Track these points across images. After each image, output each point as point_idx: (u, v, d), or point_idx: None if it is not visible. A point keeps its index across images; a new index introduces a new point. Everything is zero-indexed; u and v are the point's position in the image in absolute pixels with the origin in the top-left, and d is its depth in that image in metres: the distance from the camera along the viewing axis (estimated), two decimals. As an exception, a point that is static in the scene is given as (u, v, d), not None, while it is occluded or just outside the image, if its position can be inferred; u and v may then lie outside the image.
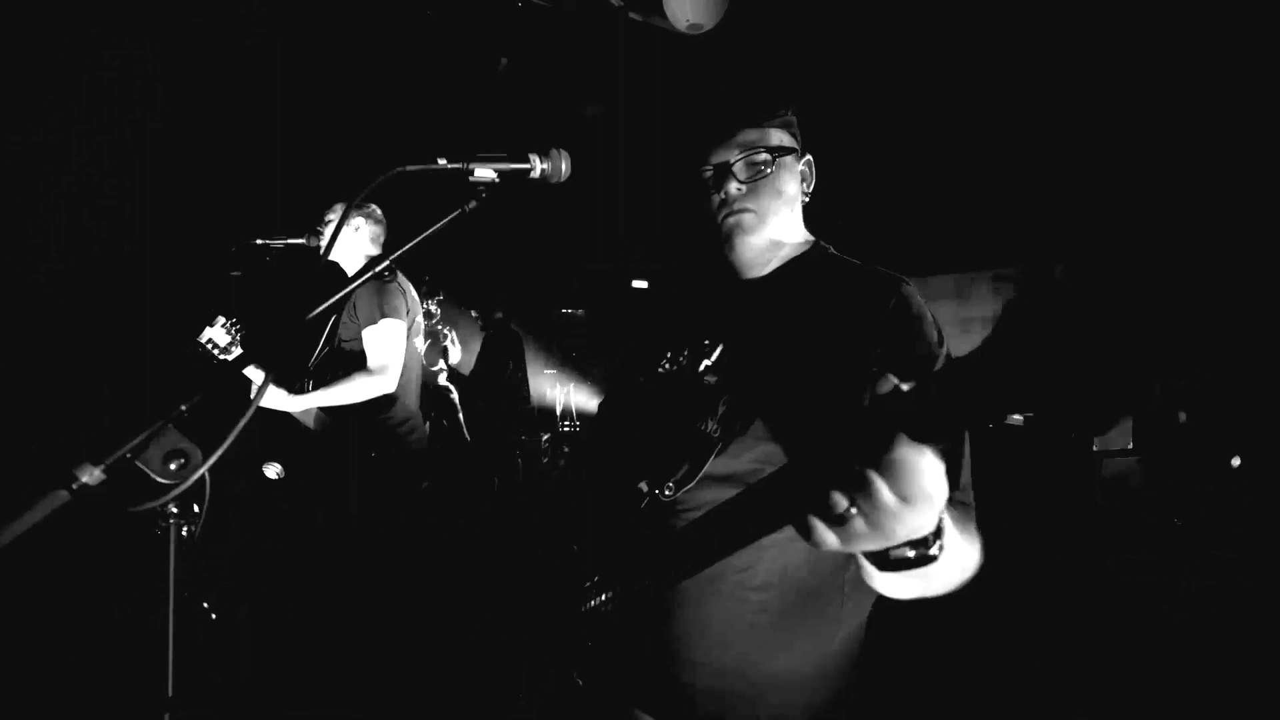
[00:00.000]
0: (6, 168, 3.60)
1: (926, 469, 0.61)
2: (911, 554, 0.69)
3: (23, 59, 3.58)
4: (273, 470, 2.60)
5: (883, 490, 0.61)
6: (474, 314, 5.43)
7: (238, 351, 2.35)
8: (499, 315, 5.36)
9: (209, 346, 2.33)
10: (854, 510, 0.63)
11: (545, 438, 6.62)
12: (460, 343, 5.30)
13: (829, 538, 0.65)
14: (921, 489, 0.61)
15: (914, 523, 0.63)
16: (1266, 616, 2.50)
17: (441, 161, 0.93)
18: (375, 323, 2.51)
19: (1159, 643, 2.66)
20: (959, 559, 0.78)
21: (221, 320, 2.33)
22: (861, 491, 0.61)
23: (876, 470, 0.61)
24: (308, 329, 0.83)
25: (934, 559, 0.70)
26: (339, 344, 2.65)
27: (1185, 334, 0.41)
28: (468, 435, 4.79)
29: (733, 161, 1.11)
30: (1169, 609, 2.79)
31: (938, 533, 0.69)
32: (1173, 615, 2.75)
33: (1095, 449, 3.42)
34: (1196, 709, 2.35)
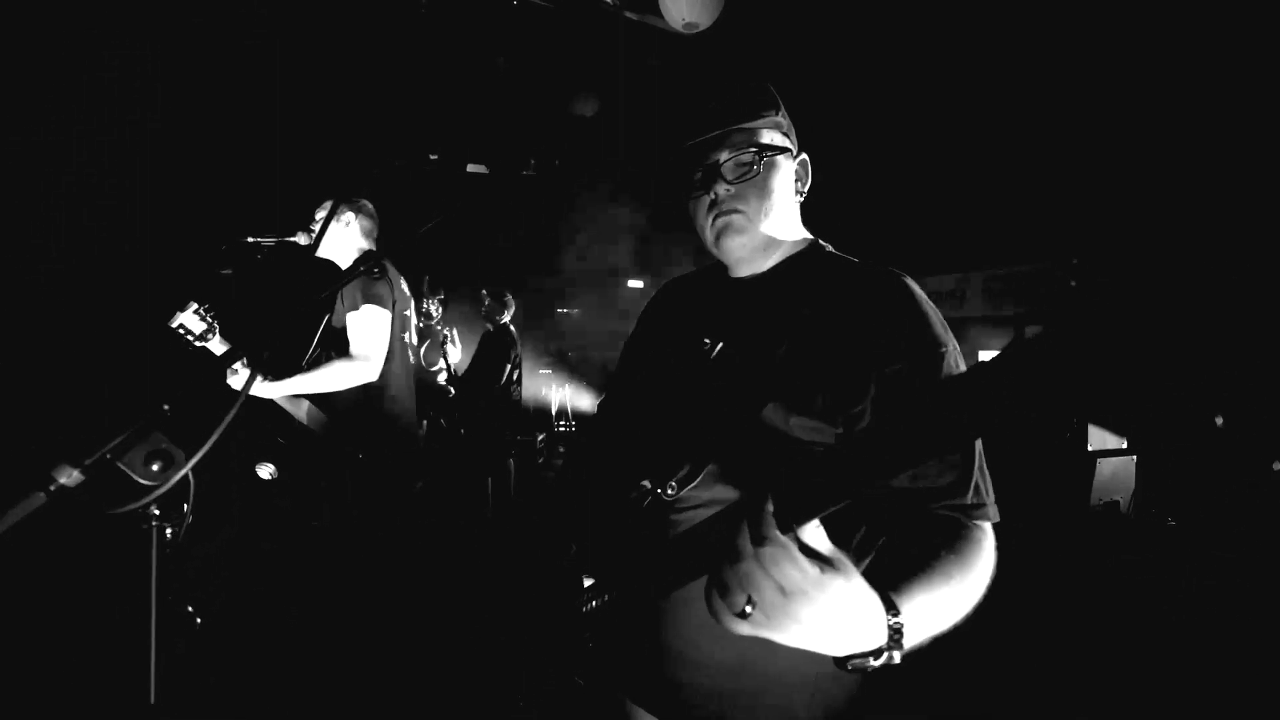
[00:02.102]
0: (6, 168, 3.59)
1: (787, 561, 0.66)
2: (875, 663, 0.73)
3: (23, 59, 3.58)
4: (266, 470, 2.58)
5: (766, 586, 0.66)
6: (484, 291, 5.37)
7: (214, 339, 2.32)
8: (504, 321, 5.34)
9: (181, 331, 2.29)
10: (749, 608, 0.68)
11: (540, 438, 6.61)
12: (459, 342, 5.28)
13: (738, 628, 0.70)
14: (790, 581, 0.66)
15: (805, 614, 0.67)
16: (1266, 616, 2.49)
17: (434, 158, 0.92)
18: (357, 308, 2.49)
19: (1159, 643, 2.65)
20: (950, 616, 0.82)
21: (194, 305, 2.29)
22: (753, 588, 0.67)
23: (759, 563, 0.66)
24: (299, 324, 0.82)
25: (898, 659, 0.73)
26: (331, 332, 2.63)
27: (1218, 338, 0.40)
28: (463, 435, 4.77)
29: (721, 161, 1.11)
30: (1169, 609, 2.78)
31: (895, 640, 0.72)
32: (1173, 615, 2.74)
33: (1090, 449, 3.41)
34: (1196, 709, 2.35)
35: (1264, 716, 2.24)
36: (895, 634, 0.72)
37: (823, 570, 0.68)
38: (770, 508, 0.66)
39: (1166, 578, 2.93)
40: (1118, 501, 3.41)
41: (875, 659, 0.73)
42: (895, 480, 0.88)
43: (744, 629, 0.69)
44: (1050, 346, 0.47)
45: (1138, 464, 3.45)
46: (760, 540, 0.66)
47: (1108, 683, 2.56)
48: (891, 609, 0.73)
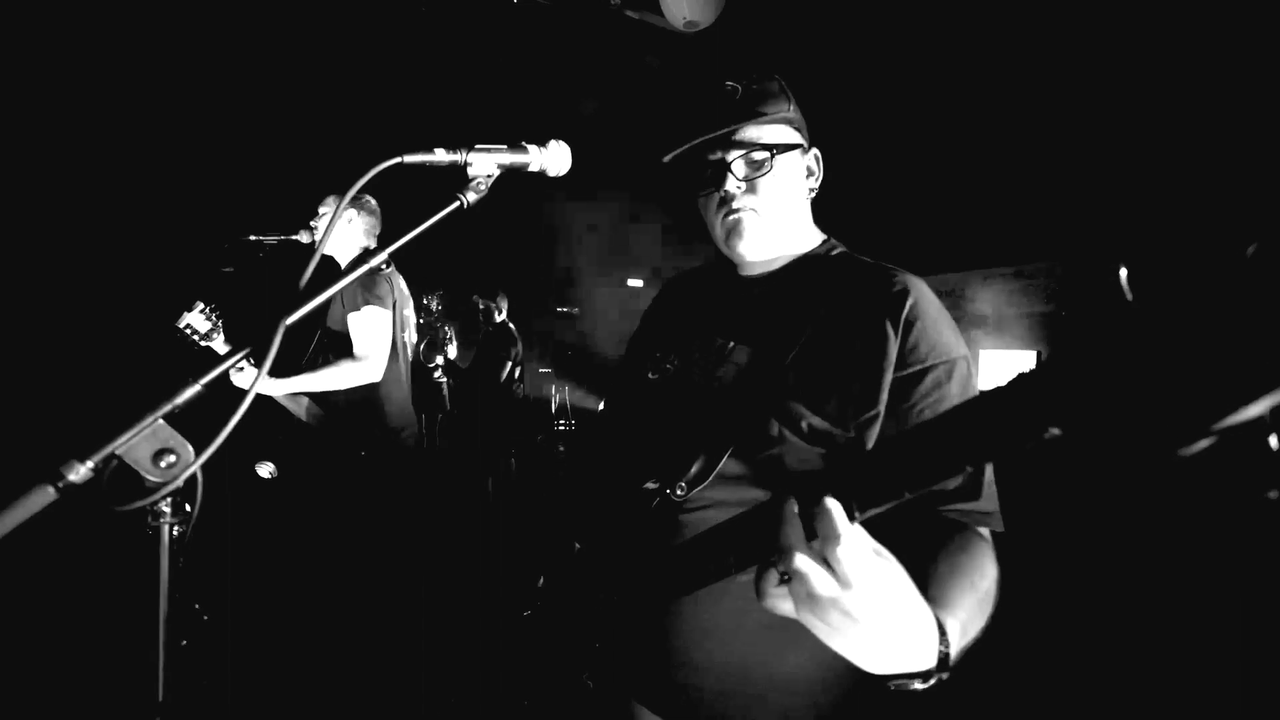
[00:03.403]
0: (6, 168, 3.58)
1: (853, 551, 0.61)
2: (919, 686, 0.69)
3: (22, 58, 3.56)
4: (265, 469, 2.58)
5: (815, 583, 0.62)
6: (476, 297, 5.37)
7: (219, 339, 2.35)
8: (502, 318, 5.34)
9: (188, 332, 2.33)
10: (788, 579, 0.64)
11: (539, 438, 6.60)
12: (458, 340, 5.27)
13: (785, 607, 0.66)
14: (853, 573, 0.61)
15: (855, 605, 0.62)
16: (1266, 616, 2.49)
17: (439, 152, 0.91)
18: (358, 309, 2.50)
19: (1158, 642, 2.65)
20: (978, 628, 0.79)
21: (200, 306, 2.33)
22: (795, 579, 0.63)
23: (818, 554, 0.62)
24: (300, 322, 0.81)
25: (945, 678, 0.69)
26: (329, 332, 2.64)
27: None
28: (463, 435, 4.76)
29: (731, 160, 1.09)
30: (1168, 609, 2.78)
31: (941, 665, 0.68)
32: (1172, 615, 2.74)
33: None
34: (1196, 709, 2.35)
35: (1264, 716, 2.24)
36: (944, 655, 0.68)
37: (885, 562, 0.64)
38: (832, 498, 0.62)
39: (1169, 577, 2.93)
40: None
41: (923, 682, 0.68)
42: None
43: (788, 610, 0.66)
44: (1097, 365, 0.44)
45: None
46: (821, 534, 0.62)
47: (1107, 683, 2.56)
48: (939, 626, 0.69)
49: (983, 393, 0.54)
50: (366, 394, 2.57)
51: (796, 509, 0.65)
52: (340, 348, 2.57)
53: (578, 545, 1.25)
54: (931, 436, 0.58)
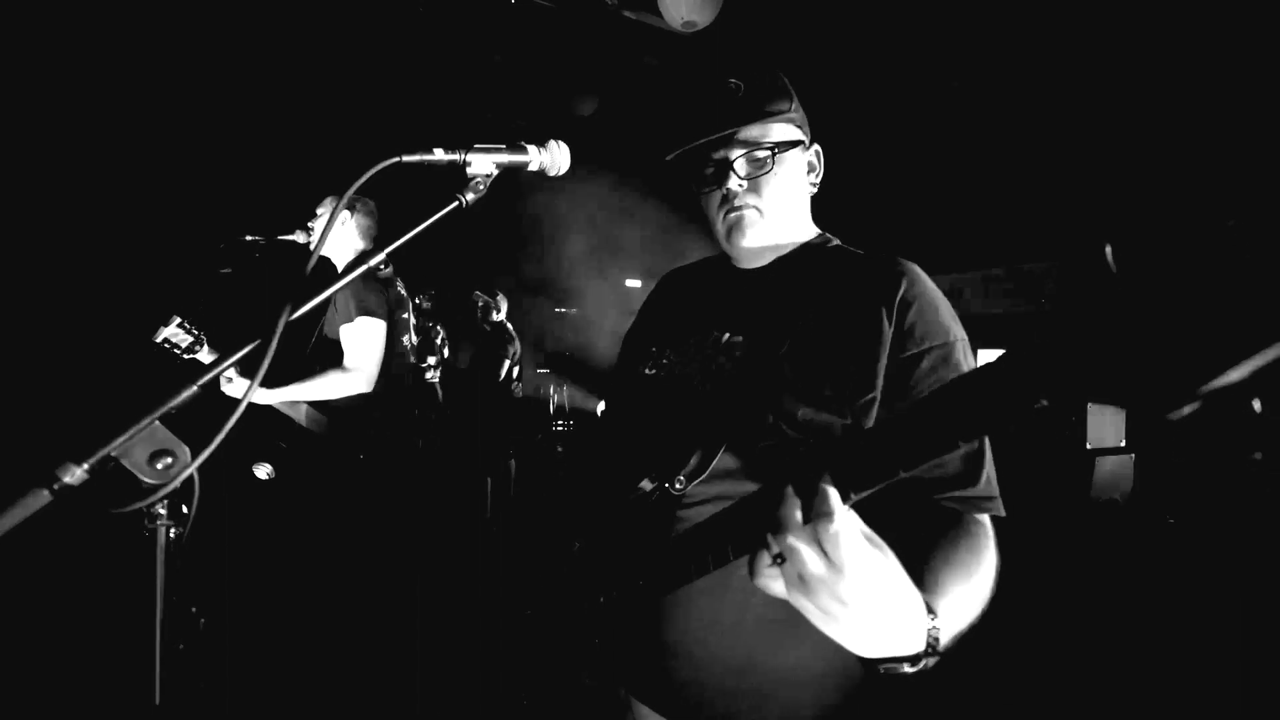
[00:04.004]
0: (6, 168, 3.57)
1: (845, 534, 0.61)
2: (910, 669, 0.69)
3: (23, 58, 3.55)
4: (263, 471, 2.57)
5: (806, 563, 0.62)
6: (477, 293, 5.35)
7: (203, 350, 2.34)
8: (499, 318, 5.34)
9: (167, 346, 2.32)
10: (780, 560, 0.65)
11: (538, 437, 6.58)
12: (452, 341, 5.26)
13: (776, 587, 0.67)
14: (845, 556, 0.61)
15: (845, 590, 0.62)
16: (1266, 616, 2.49)
17: (438, 152, 0.91)
18: (352, 320, 2.49)
19: (1157, 643, 2.66)
20: (970, 616, 0.79)
21: (177, 320, 2.32)
22: (788, 558, 0.63)
23: (812, 535, 0.62)
24: (297, 326, 0.80)
25: (935, 662, 0.70)
26: (324, 337, 2.63)
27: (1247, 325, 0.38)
28: (441, 437, 4.73)
29: (734, 159, 1.10)
30: (1168, 610, 2.78)
31: (930, 649, 0.69)
32: (1172, 615, 2.74)
33: (1089, 447, 3.41)
34: (1195, 709, 2.35)
35: (1263, 716, 2.24)
36: (934, 639, 0.69)
37: (875, 547, 0.64)
38: (827, 480, 0.62)
39: (1166, 577, 2.94)
40: (1116, 499, 3.42)
41: (912, 665, 0.69)
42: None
43: (779, 590, 0.67)
44: (1083, 335, 0.45)
45: (1136, 461, 3.46)
46: (815, 514, 0.62)
47: (1106, 682, 2.56)
48: (930, 611, 0.70)
49: (973, 369, 0.55)
50: (365, 398, 2.56)
51: (793, 491, 0.65)
52: (333, 356, 2.56)
53: (577, 544, 1.25)
54: (923, 413, 0.59)
